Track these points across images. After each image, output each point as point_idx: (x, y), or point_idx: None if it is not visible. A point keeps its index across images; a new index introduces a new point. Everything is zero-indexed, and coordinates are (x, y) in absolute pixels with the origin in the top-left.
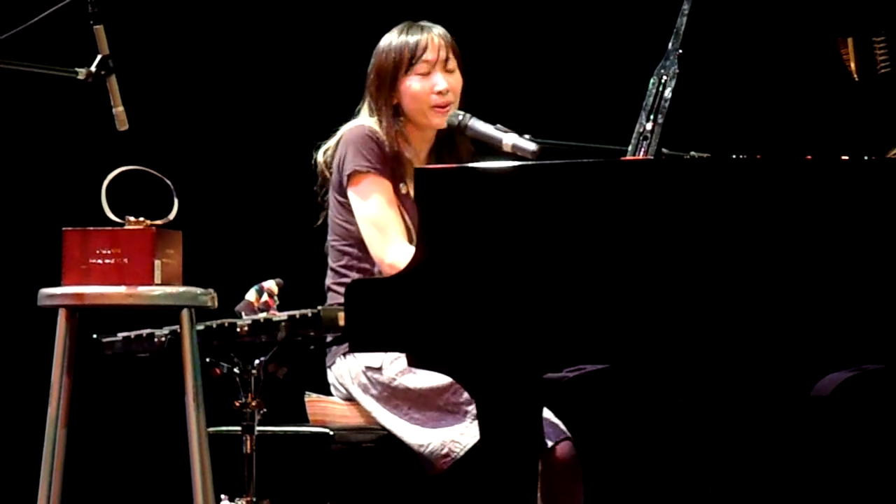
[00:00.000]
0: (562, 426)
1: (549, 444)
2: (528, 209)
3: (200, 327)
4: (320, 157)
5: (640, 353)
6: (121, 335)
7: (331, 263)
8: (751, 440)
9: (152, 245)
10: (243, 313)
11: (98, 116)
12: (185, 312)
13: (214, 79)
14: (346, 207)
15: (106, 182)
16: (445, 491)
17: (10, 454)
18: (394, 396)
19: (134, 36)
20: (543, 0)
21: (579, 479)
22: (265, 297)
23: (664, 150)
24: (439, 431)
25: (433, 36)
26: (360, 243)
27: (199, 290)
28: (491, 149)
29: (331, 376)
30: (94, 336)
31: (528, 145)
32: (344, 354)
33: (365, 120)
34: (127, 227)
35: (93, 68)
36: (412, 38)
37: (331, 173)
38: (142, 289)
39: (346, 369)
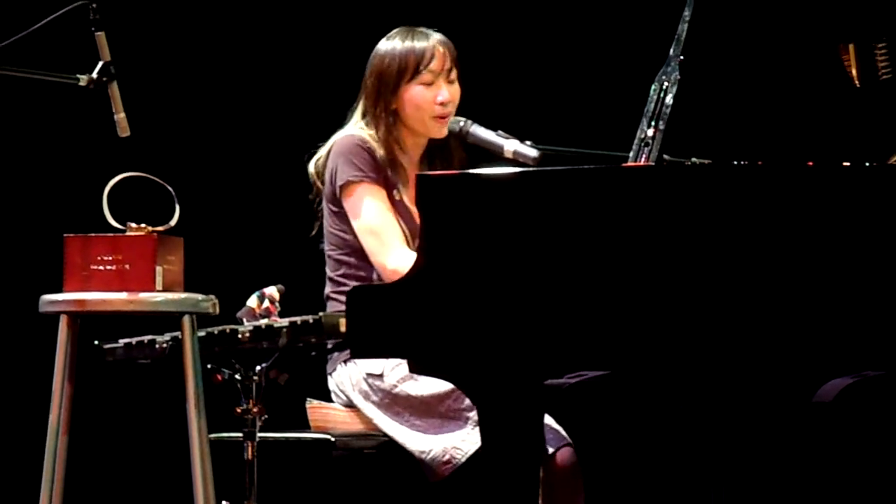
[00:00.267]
0: (563, 432)
1: (550, 450)
2: (530, 215)
3: (202, 334)
4: (311, 167)
5: (641, 359)
6: (122, 341)
7: (329, 273)
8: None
9: (154, 251)
10: (245, 320)
11: (99, 123)
12: (186, 319)
13: (216, 85)
14: (340, 217)
15: (107, 188)
16: (446, 498)
17: (12, 460)
18: (395, 403)
19: (135, 42)
20: (545, 6)
21: (580, 486)
22: (266, 304)
23: (665, 156)
24: (441, 438)
25: (439, 45)
26: (355, 252)
27: (200, 297)
28: (492, 155)
29: (331, 383)
30: (96, 342)
31: (530, 152)
32: (345, 361)
33: (354, 128)
34: (128, 233)
35: (94, 75)
36: (418, 46)
37: (323, 183)
38: (143, 295)
39: (347, 376)
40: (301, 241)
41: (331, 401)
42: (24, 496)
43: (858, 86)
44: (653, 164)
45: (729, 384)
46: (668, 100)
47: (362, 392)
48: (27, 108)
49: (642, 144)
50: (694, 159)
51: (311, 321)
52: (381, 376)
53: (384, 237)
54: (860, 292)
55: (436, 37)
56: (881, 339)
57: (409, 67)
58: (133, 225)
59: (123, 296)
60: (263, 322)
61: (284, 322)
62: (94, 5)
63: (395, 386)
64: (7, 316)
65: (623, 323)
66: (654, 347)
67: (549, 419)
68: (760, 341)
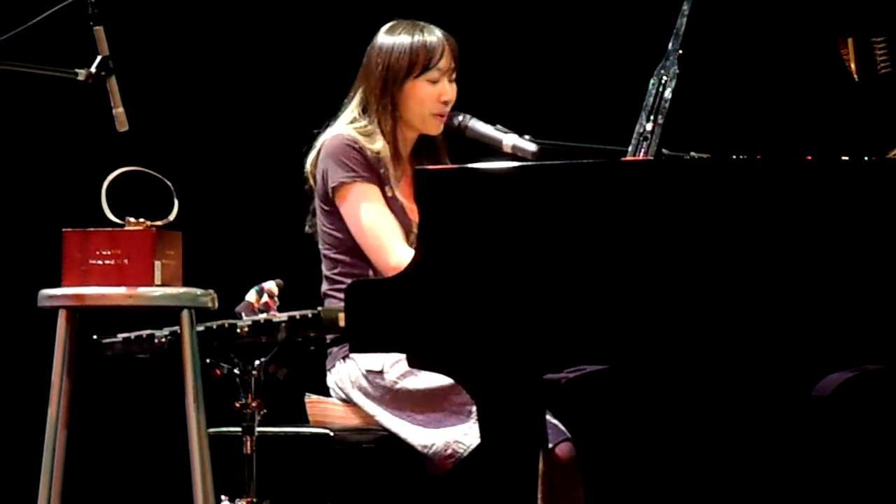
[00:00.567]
0: (561, 427)
1: (549, 445)
2: (528, 210)
3: (200, 328)
4: (307, 164)
5: (640, 353)
6: (121, 336)
7: (325, 271)
8: (751, 440)
9: (152, 246)
10: (243, 314)
11: (98, 117)
12: (185, 313)
13: (214, 80)
14: (333, 216)
15: (106, 183)
16: (445, 492)
17: (11, 455)
18: (396, 399)
19: (134, 37)
20: (544, 0)
21: (579, 480)
22: (265, 298)
23: (664, 150)
24: (443, 432)
25: (447, 43)
26: (349, 251)
27: (199, 291)
28: (491, 149)
29: (330, 380)
30: (95, 337)
31: (528, 146)
32: (344, 358)
33: (343, 127)
34: (127, 227)
35: (93, 69)
36: (429, 42)
37: (315, 183)
38: (142, 290)
39: (346, 373)
40: (299, 236)
41: (329, 396)
42: (23, 491)
43: (857, 80)
44: (651, 158)
45: (728, 378)
46: (667, 94)
47: (362, 389)
48: (26, 103)
49: (641, 139)
50: (693, 153)
51: (309, 316)
52: (381, 373)
53: (384, 235)
54: (859, 286)
55: (440, 33)
56: (880, 333)
57: (420, 62)
58: (132, 220)
59: (122, 290)
60: (262, 317)
61: (283, 317)
62: (93, 0)
63: (396, 382)
64: (6, 311)
65: (622, 317)
66: (652, 342)
67: (547, 414)
68: (759, 335)
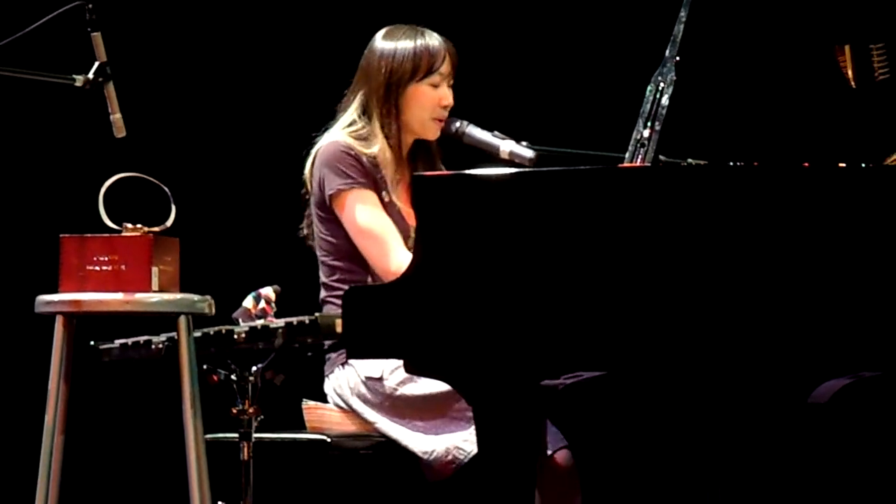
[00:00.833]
0: (559, 434)
1: (548, 452)
2: (526, 216)
3: (197, 334)
4: (306, 171)
5: (638, 359)
6: (118, 342)
7: (322, 278)
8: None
9: (150, 252)
10: (240, 320)
11: (95, 123)
12: (182, 319)
13: (212, 86)
14: (329, 223)
15: (103, 189)
16: (443, 498)
17: (8, 461)
18: (396, 406)
19: (131, 43)
20: (541, 6)
21: (577, 487)
22: (262, 304)
23: (661, 157)
24: (443, 438)
25: (448, 48)
26: (346, 257)
27: (196, 297)
28: (488, 156)
29: (328, 386)
30: (92, 343)
31: (526, 152)
32: (342, 364)
33: (337, 133)
34: (124, 233)
35: (90, 75)
36: (432, 46)
37: (311, 190)
38: (139, 295)
39: (345, 379)
40: (297, 242)
41: (327, 402)
42: (20, 497)
43: (854, 87)
44: (649, 164)
45: (725, 385)
46: (665, 100)
47: (361, 396)
48: (23, 109)
49: (638, 145)
50: (690, 160)
51: (307, 322)
52: (380, 380)
53: (384, 241)
54: (856, 293)
55: (440, 38)
56: (877, 339)
57: (423, 67)
58: (129, 225)
59: (119, 296)
60: (259, 322)
61: (280, 323)
62: (91, 6)
63: (396, 389)
64: (3, 316)
65: (619, 324)
66: (650, 348)
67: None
68: (756, 342)
